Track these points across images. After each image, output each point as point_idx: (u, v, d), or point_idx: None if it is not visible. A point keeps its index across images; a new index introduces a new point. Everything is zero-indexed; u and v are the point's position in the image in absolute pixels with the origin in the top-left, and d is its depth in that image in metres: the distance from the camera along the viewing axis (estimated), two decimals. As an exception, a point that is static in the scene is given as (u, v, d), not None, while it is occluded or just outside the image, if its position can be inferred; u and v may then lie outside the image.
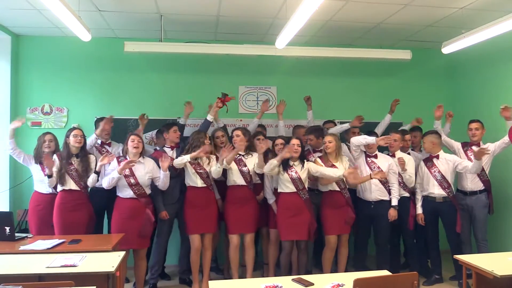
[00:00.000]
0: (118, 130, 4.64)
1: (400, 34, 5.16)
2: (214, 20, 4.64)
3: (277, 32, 4.37)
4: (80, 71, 5.18)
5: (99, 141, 4.50)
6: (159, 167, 4.03)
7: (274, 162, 3.95)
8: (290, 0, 3.98)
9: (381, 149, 4.65)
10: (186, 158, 4.03)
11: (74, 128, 4.05)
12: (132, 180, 3.91)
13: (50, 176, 3.89)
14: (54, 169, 3.90)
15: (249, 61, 5.23)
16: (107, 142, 4.57)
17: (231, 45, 4.65)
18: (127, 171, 3.89)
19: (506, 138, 4.20)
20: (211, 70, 5.37)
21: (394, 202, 4.26)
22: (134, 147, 3.94)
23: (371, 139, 4.18)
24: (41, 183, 4.16)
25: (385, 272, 2.77)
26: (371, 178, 4.07)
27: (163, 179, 4.01)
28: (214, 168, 4.05)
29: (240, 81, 5.52)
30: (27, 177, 4.52)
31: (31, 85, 5.10)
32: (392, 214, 4.23)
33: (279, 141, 4.33)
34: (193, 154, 4.01)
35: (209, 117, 4.52)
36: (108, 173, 3.94)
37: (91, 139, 4.34)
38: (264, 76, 5.55)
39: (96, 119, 4.68)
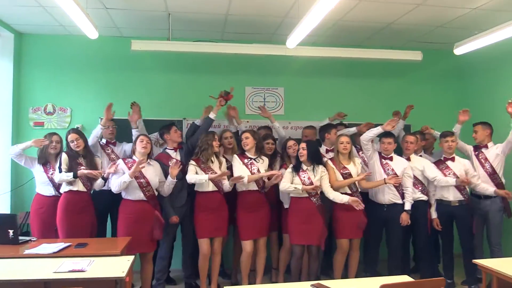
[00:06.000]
0: (123, 131, 4.52)
1: (409, 35, 5.09)
2: (222, 19, 4.55)
3: (285, 32, 4.32)
4: (84, 71, 5.07)
5: (104, 140, 4.42)
6: (163, 166, 3.97)
7: (298, 188, 3.90)
8: (302, -1, 3.91)
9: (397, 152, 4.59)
10: (204, 177, 3.93)
11: (69, 132, 3.95)
12: (144, 182, 3.81)
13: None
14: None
15: (256, 61, 5.15)
16: (112, 142, 4.48)
17: (241, 45, 4.55)
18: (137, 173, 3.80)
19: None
20: (217, 71, 5.28)
21: (407, 206, 4.15)
22: (143, 147, 3.85)
23: (376, 129, 4.19)
24: (43, 185, 4.07)
25: (406, 278, 2.68)
26: (385, 183, 4.00)
27: (169, 186, 3.93)
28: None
29: (247, 81, 5.43)
30: (29, 179, 4.42)
31: (33, 85, 4.99)
32: (404, 218, 4.13)
33: (291, 142, 4.27)
34: (212, 176, 3.93)
35: (212, 115, 4.44)
36: (115, 174, 3.82)
37: (96, 130, 4.27)
38: (271, 76, 5.46)
39: (101, 119, 4.56)
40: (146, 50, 4.44)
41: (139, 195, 3.82)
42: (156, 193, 3.96)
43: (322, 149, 4.54)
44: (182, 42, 4.53)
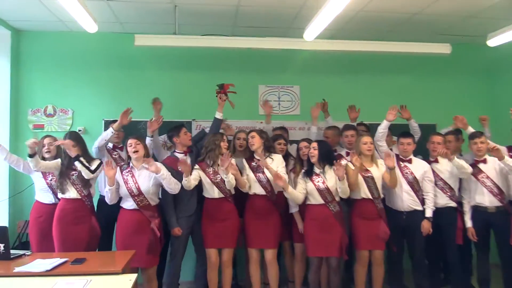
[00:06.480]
0: (128, 134, 4.21)
1: (436, 27, 4.72)
2: (233, 11, 4.25)
3: (302, 26, 4.07)
4: (86, 69, 4.83)
5: (110, 145, 4.16)
6: (171, 171, 3.63)
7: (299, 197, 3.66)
8: (321, -14, 3.58)
9: (423, 153, 4.19)
10: (186, 179, 3.59)
11: (66, 137, 3.68)
12: (134, 189, 3.49)
13: None
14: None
15: (269, 58, 4.90)
16: (119, 146, 4.20)
17: (254, 38, 4.29)
18: (128, 179, 3.50)
19: None
20: (228, 69, 4.98)
21: (428, 213, 3.82)
22: (134, 152, 3.52)
23: (382, 124, 4.09)
24: (42, 192, 3.81)
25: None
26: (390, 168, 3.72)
27: (164, 184, 3.53)
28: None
29: (260, 80, 5.15)
30: (28, 185, 4.16)
31: (33, 85, 4.77)
32: (426, 226, 3.79)
33: (303, 143, 3.97)
34: (187, 174, 3.59)
35: (218, 115, 4.17)
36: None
37: (106, 133, 3.95)
38: (286, 74, 5.17)
39: (104, 121, 4.33)
40: (151, 46, 4.19)
41: (132, 204, 3.52)
42: (156, 201, 3.65)
43: (343, 152, 4.23)
44: (190, 36, 4.25)
